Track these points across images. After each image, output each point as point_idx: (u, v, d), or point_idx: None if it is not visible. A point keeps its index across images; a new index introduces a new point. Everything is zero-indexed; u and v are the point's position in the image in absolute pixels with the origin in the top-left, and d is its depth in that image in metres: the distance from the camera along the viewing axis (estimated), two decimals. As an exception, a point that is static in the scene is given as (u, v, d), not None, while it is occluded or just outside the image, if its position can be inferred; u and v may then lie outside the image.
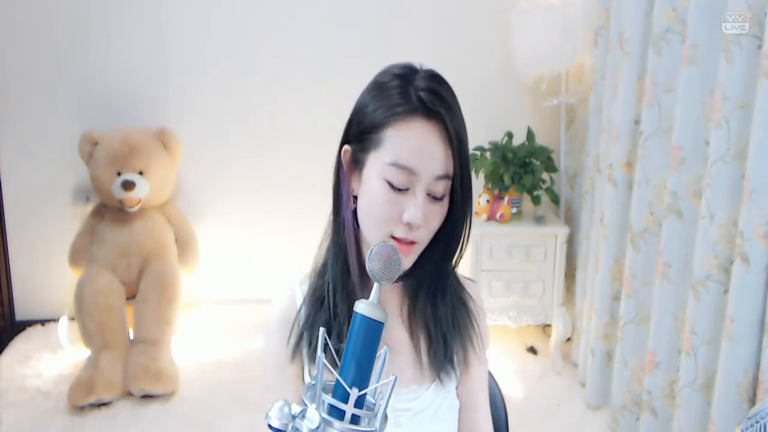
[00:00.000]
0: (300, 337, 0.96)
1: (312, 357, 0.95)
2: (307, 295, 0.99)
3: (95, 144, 2.76)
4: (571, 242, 2.82)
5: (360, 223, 0.92)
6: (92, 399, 2.34)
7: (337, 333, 0.93)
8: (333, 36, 2.95)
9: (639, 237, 2.14)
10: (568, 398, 2.53)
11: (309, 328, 0.96)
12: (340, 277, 0.95)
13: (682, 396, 1.90)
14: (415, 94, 0.86)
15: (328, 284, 0.96)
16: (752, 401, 1.69)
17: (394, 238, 0.87)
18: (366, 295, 0.94)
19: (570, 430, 2.34)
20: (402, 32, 2.95)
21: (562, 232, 2.68)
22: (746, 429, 0.80)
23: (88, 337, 2.55)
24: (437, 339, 0.97)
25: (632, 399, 2.22)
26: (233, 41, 2.94)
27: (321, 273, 0.99)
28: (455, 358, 0.98)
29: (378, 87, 0.90)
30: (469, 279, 1.07)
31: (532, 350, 2.88)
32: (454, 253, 0.97)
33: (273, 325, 1.00)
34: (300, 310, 0.98)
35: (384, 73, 0.92)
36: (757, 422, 0.76)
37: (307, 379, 0.97)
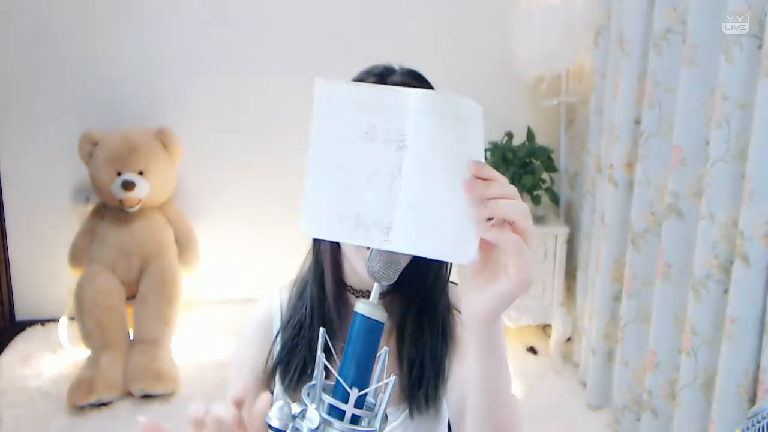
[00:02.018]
0: (275, 368, 0.95)
1: (285, 390, 0.94)
2: (284, 320, 0.98)
3: (95, 144, 2.76)
4: (572, 242, 2.82)
5: None
6: (92, 399, 2.34)
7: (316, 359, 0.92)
8: (332, 36, 2.94)
9: (639, 237, 2.14)
10: (569, 398, 2.53)
11: (285, 360, 0.94)
12: (317, 302, 0.94)
13: (683, 396, 1.90)
14: None
15: (306, 308, 0.95)
16: (752, 401, 1.69)
17: None
18: (342, 320, 0.94)
19: (570, 430, 2.34)
20: (403, 33, 2.94)
21: (562, 232, 2.68)
22: (746, 429, 0.80)
23: (88, 337, 2.55)
24: (416, 368, 0.92)
25: (633, 399, 2.22)
26: (233, 41, 2.94)
27: (299, 295, 0.97)
28: (429, 393, 0.92)
29: None
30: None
31: (532, 350, 2.88)
32: (440, 270, 0.94)
33: (243, 335, 1.00)
34: (277, 335, 0.97)
35: (363, 71, 0.91)
36: (758, 422, 0.76)
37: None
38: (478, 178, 0.58)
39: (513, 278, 0.58)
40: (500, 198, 0.57)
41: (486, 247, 0.59)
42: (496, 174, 0.58)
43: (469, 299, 0.62)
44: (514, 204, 0.57)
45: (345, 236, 0.62)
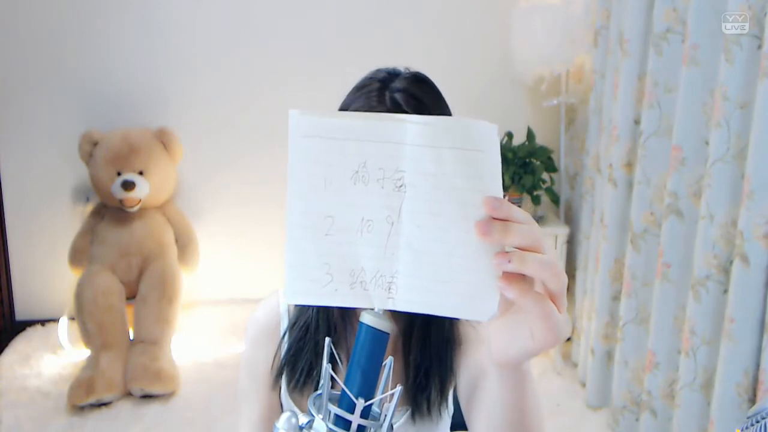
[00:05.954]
0: (281, 369, 0.95)
1: (290, 392, 0.94)
2: (291, 321, 0.97)
3: (95, 144, 2.76)
4: (571, 242, 2.82)
5: None
6: (92, 399, 2.34)
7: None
8: (333, 36, 2.95)
9: (639, 237, 2.14)
10: (568, 398, 2.53)
11: (291, 361, 0.94)
12: (321, 306, 0.92)
13: (682, 396, 1.90)
14: (390, 95, 0.83)
15: (312, 310, 0.94)
16: (752, 401, 1.69)
17: None
18: (347, 325, 0.94)
19: (570, 430, 2.34)
20: (403, 32, 2.95)
21: (562, 232, 2.68)
22: (746, 429, 0.80)
23: (88, 337, 2.55)
24: (421, 373, 0.92)
25: (632, 399, 2.22)
26: (233, 41, 2.94)
27: None
28: (432, 398, 0.92)
29: (358, 91, 0.87)
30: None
31: (532, 350, 2.88)
32: None
33: (249, 334, 1.00)
34: (284, 335, 0.97)
35: (367, 76, 0.89)
36: (757, 422, 0.76)
37: (286, 403, 0.96)
38: (495, 218, 0.49)
39: (538, 339, 0.50)
40: (524, 247, 0.49)
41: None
42: (517, 212, 0.49)
43: (490, 343, 0.56)
44: (543, 261, 0.48)
45: (339, 299, 0.53)
